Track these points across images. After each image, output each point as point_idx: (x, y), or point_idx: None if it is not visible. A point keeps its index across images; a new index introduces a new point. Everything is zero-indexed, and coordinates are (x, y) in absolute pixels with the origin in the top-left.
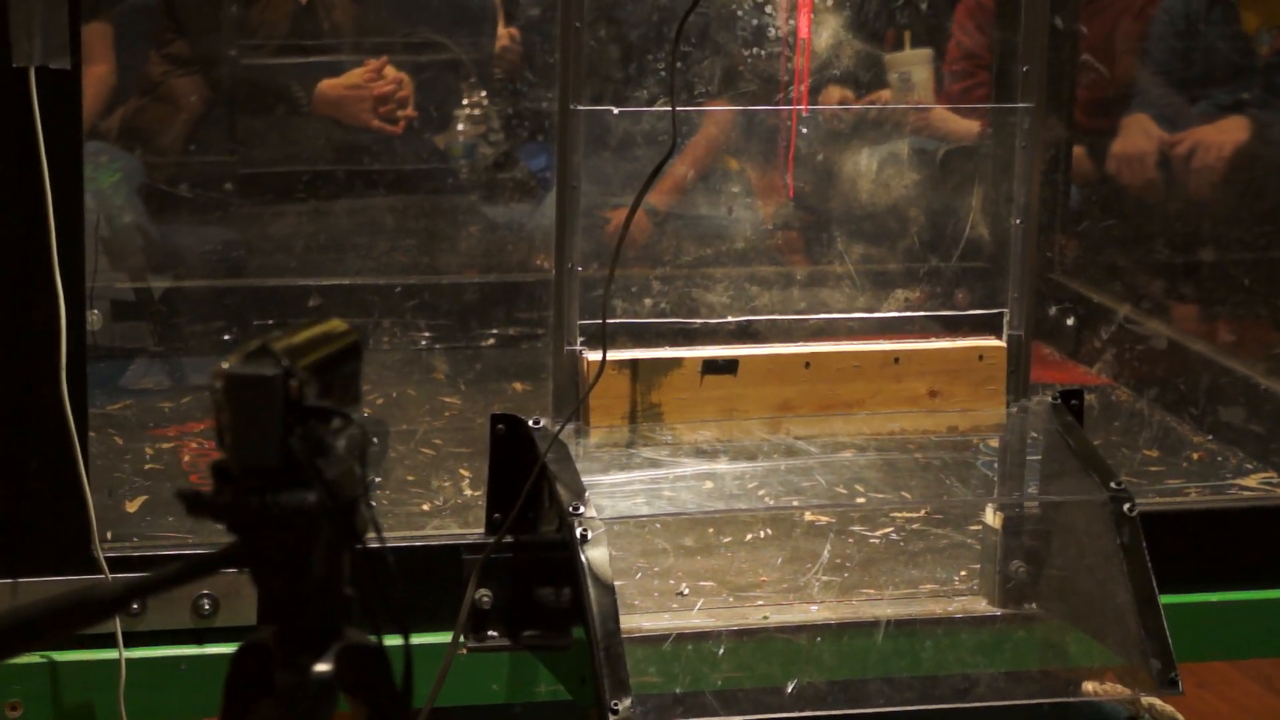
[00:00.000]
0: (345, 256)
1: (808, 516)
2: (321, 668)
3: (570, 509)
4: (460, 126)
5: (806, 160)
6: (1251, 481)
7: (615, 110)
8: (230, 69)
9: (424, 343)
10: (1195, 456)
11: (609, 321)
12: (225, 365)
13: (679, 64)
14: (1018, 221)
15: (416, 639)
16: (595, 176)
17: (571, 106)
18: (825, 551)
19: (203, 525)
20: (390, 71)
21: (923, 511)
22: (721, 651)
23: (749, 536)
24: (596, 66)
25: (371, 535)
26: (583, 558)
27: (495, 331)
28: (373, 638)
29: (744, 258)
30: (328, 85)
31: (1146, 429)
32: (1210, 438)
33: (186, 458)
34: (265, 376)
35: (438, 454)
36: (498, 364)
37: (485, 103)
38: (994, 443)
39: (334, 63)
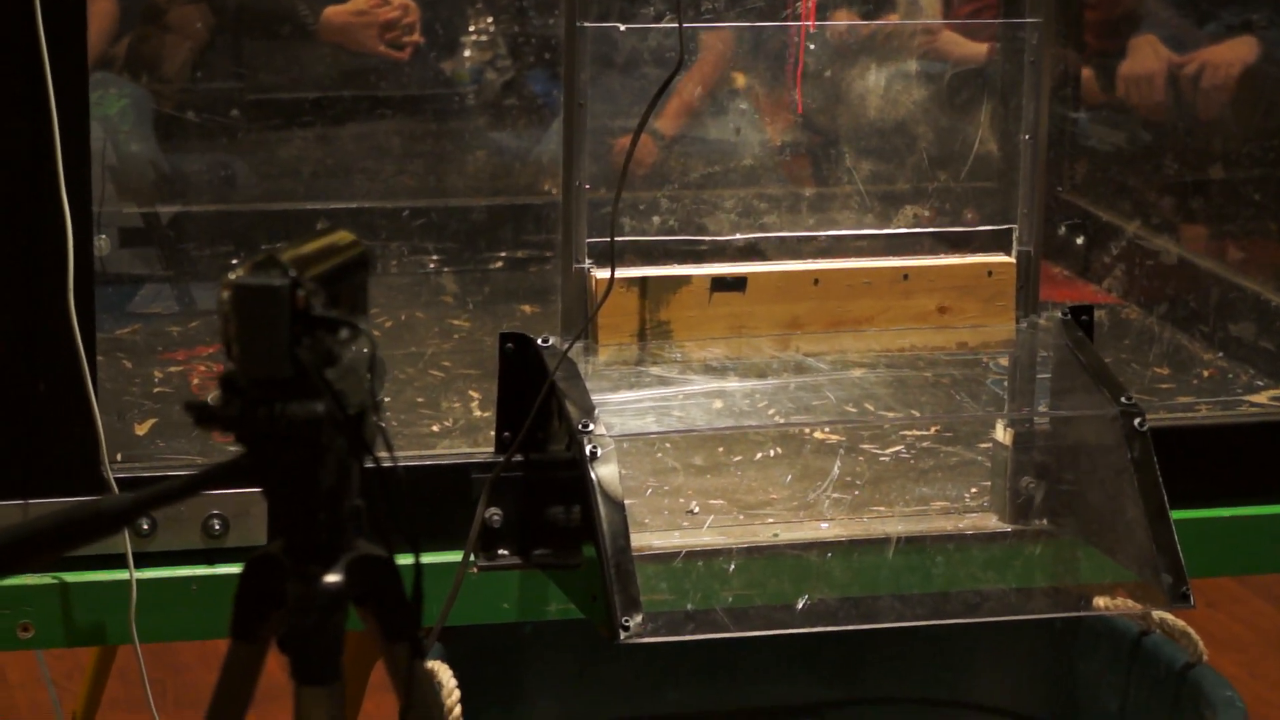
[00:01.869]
0: (353, 180)
1: (817, 434)
2: (332, 578)
3: (580, 426)
4: (467, 53)
5: (814, 77)
6: (1262, 398)
7: (622, 27)
8: None
9: (431, 266)
10: (1205, 374)
11: (617, 240)
12: (233, 276)
13: None
14: (1026, 137)
15: (426, 559)
16: (602, 95)
17: (578, 24)
18: (835, 468)
19: (213, 446)
20: None
21: (932, 429)
22: (733, 568)
23: (758, 455)
24: None
25: (381, 447)
26: (592, 475)
27: (503, 254)
28: (383, 550)
29: (752, 176)
30: (334, 12)
31: (1156, 346)
32: (1220, 355)
33: (196, 380)
34: (273, 286)
35: (447, 376)
36: (505, 286)
37: (491, 29)
38: (1003, 360)
39: None
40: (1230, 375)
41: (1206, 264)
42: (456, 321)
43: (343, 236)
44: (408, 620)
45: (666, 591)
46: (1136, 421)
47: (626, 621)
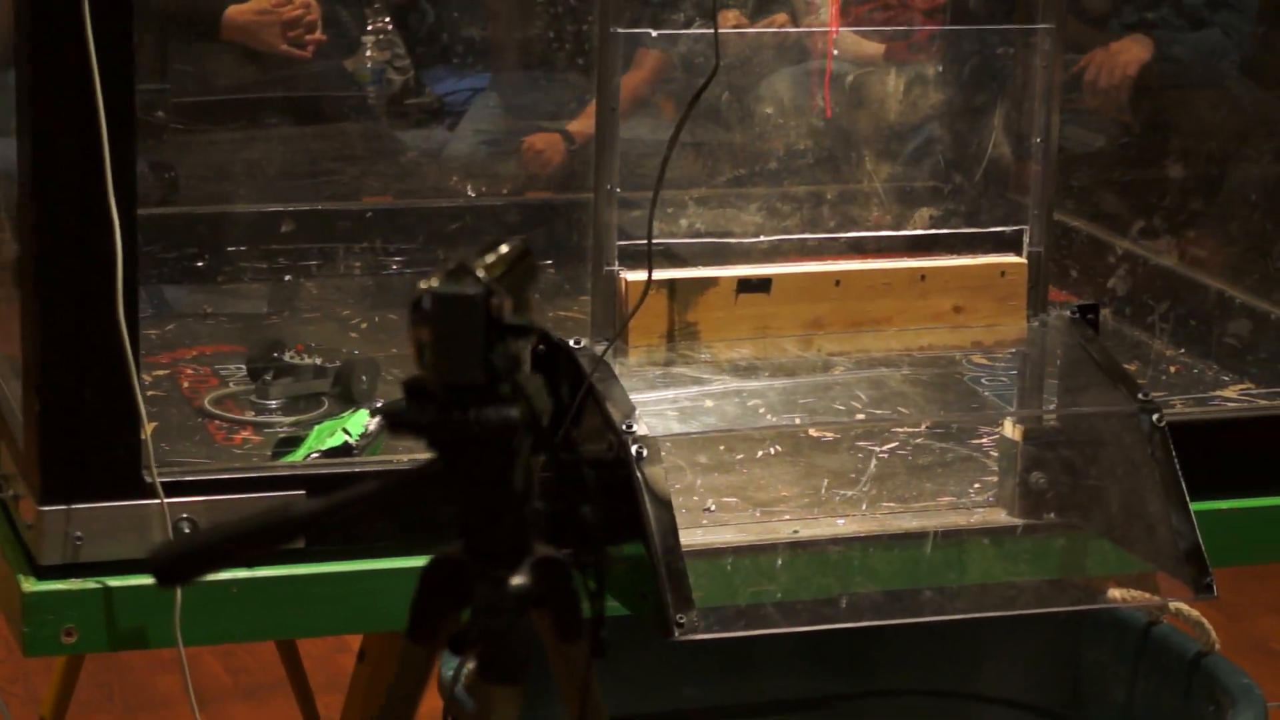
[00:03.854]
0: (296, 185)
1: (813, 432)
2: (518, 580)
3: (624, 427)
4: (368, 52)
5: (836, 80)
6: (1230, 392)
7: (654, 33)
8: None
9: (394, 268)
10: (1172, 369)
11: (642, 243)
12: (427, 285)
13: None
14: (1038, 140)
15: None
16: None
17: (611, 29)
18: (872, 464)
19: (220, 449)
20: None
21: (924, 425)
22: (780, 564)
23: (759, 453)
24: None
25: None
26: (639, 475)
27: None
28: (558, 551)
29: (776, 178)
30: (236, 10)
31: (1118, 343)
32: (1182, 351)
33: (185, 384)
34: (469, 295)
35: None
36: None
37: (389, 28)
38: (977, 358)
39: None
40: (1195, 370)
41: (1160, 261)
42: None
43: (517, 245)
44: (584, 621)
45: (707, 588)
46: (1155, 417)
47: (680, 619)
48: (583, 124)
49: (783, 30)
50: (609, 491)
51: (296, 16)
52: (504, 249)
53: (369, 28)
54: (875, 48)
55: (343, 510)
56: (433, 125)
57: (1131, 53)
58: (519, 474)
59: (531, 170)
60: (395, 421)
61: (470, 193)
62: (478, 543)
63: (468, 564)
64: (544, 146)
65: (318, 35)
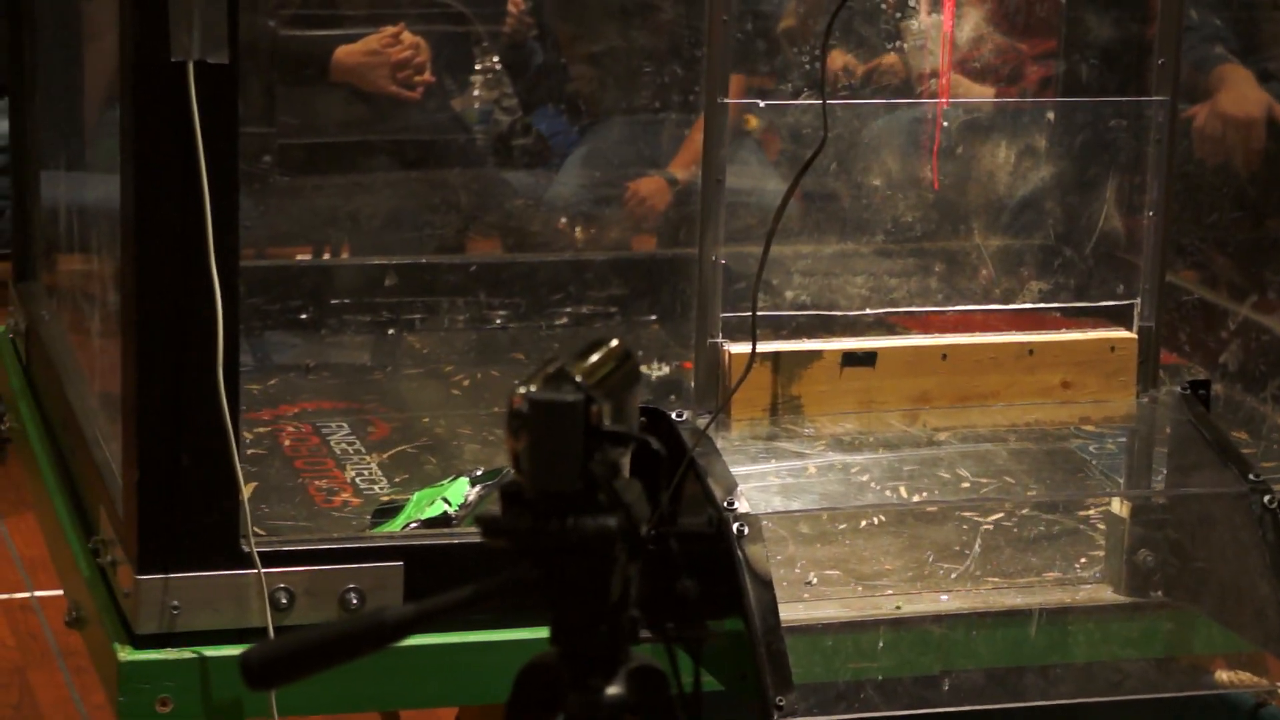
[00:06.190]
0: (401, 232)
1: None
2: (614, 690)
3: (725, 504)
4: (476, 92)
5: (946, 152)
6: None
7: (761, 103)
8: (268, 41)
9: (498, 322)
10: None
11: (743, 314)
12: (524, 390)
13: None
14: (1150, 214)
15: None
16: (737, 168)
17: (719, 100)
18: (977, 545)
19: (319, 512)
20: (408, 37)
21: (1029, 493)
22: (881, 645)
23: (863, 523)
24: (742, 60)
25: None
26: (739, 553)
27: (569, 310)
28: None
29: (884, 249)
30: (345, 52)
31: (1230, 411)
32: None
33: (287, 442)
34: (568, 402)
35: None
36: (574, 344)
37: (498, 67)
38: (1088, 427)
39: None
40: None
41: (1267, 323)
42: None
43: (618, 347)
44: None
45: (807, 665)
46: (1266, 499)
47: (780, 701)
48: (686, 171)
49: (892, 101)
50: (708, 566)
51: (406, 57)
52: (604, 351)
53: (477, 67)
54: (985, 90)
55: (437, 616)
56: (537, 167)
57: (1248, 98)
58: (616, 582)
59: (636, 216)
60: (490, 528)
61: (578, 234)
62: (572, 650)
63: (562, 671)
64: (648, 192)
65: (426, 76)
